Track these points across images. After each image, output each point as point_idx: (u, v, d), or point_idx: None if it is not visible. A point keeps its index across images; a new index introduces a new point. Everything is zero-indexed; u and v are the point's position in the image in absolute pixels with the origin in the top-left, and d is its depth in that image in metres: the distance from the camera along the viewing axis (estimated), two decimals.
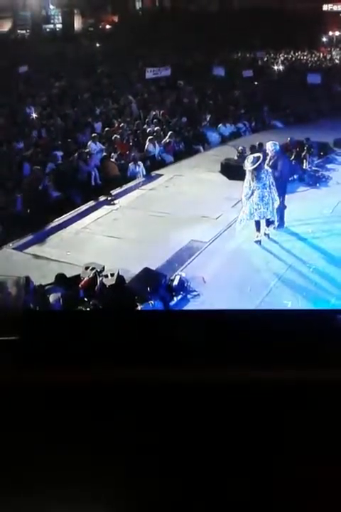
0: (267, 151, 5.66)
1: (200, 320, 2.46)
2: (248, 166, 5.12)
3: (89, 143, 7.55)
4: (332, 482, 1.93)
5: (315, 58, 14.21)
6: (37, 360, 2.11)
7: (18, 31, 12.29)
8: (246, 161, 5.22)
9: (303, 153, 7.23)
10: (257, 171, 5.09)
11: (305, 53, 14.39)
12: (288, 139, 7.65)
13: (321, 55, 14.25)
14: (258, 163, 5.06)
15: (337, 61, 13.68)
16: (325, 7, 12.58)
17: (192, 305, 4.30)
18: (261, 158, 5.11)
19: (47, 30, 12.51)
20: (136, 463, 2.00)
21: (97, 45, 12.77)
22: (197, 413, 2.01)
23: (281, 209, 5.45)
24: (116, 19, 14.01)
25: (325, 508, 1.93)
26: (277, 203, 5.22)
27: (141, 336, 2.22)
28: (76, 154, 7.00)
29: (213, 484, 1.98)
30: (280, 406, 2.01)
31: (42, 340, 2.21)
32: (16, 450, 1.99)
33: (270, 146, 5.64)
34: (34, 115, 8.11)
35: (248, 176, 5.14)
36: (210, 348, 2.13)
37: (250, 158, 5.20)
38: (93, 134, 7.79)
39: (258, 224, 5.30)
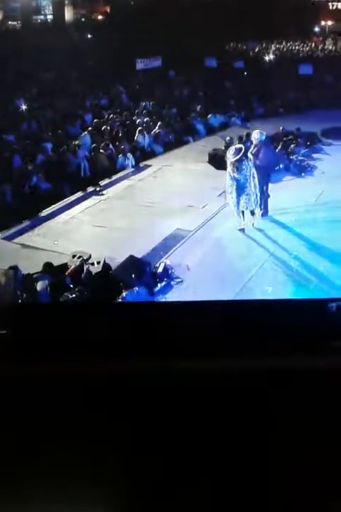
0: (252, 140, 5.76)
1: (191, 310, 2.47)
2: (230, 157, 5.21)
3: (83, 134, 7.60)
4: (326, 468, 1.97)
5: (307, 48, 14.23)
6: (28, 354, 2.13)
7: (9, 22, 12.26)
8: (227, 152, 5.31)
9: (290, 143, 7.34)
10: (238, 162, 5.18)
11: (297, 43, 14.40)
12: (281, 128, 7.76)
13: (313, 44, 14.27)
14: (239, 155, 5.16)
15: (328, 51, 13.72)
16: None
17: (175, 291, 4.43)
18: (243, 150, 5.20)
19: (38, 21, 12.48)
20: (133, 454, 2.03)
21: (89, 36, 12.75)
22: (191, 403, 2.04)
23: (265, 198, 5.56)
24: (108, 9, 13.99)
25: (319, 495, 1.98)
26: (259, 193, 5.34)
27: (133, 328, 2.24)
28: (65, 146, 7.08)
29: (208, 469, 2.03)
30: (274, 393, 2.06)
31: (34, 334, 2.23)
32: (11, 445, 2.01)
33: (256, 135, 5.74)
34: (24, 107, 8.16)
35: (229, 168, 5.24)
36: (204, 338, 2.17)
37: (232, 149, 5.29)
38: (89, 128, 7.85)
39: (241, 213, 5.42)
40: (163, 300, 4.40)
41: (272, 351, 2.12)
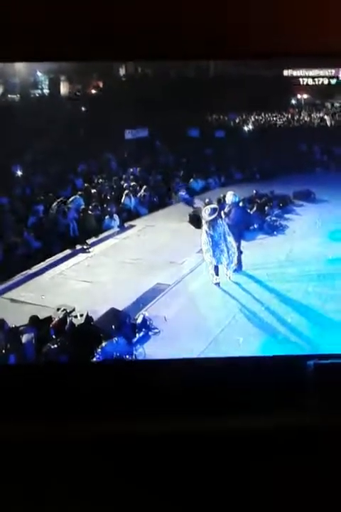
0: (227, 201, 6.32)
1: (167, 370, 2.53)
2: (205, 217, 5.72)
3: (75, 196, 8.14)
4: None
5: (284, 119, 15.39)
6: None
7: (9, 95, 13.24)
8: (203, 212, 5.83)
9: (265, 205, 7.94)
10: (214, 221, 5.69)
11: (275, 114, 15.58)
12: (254, 191, 8.42)
13: (290, 115, 15.45)
14: (214, 215, 5.67)
15: (303, 122, 14.86)
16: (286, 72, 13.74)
17: (152, 340, 4.74)
18: (217, 210, 5.72)
19: (36, 95, 13.48)
20: None
21: (82, 108, 13.75)
22: (162, 465, 2.10)
23: (238, 254, 6.02)
24: (100, 84, 15.18)
25: None
26: (233, 249, 5.80)
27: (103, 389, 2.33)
28: (54, 204, 7.57)
29: None
30: (244, 452, 2.10)
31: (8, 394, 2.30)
32: None
33: (229, 196, 6.31)
34: (19, 173, 8.76)
35: (205, 226, 5.74)
36: (177, 397, 2.22)
37: (207, 210, 5.80)
38: (80, 192, 8.41)
39: (216, 268, 5.84)
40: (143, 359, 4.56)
41: (246, 409, 2.14)
